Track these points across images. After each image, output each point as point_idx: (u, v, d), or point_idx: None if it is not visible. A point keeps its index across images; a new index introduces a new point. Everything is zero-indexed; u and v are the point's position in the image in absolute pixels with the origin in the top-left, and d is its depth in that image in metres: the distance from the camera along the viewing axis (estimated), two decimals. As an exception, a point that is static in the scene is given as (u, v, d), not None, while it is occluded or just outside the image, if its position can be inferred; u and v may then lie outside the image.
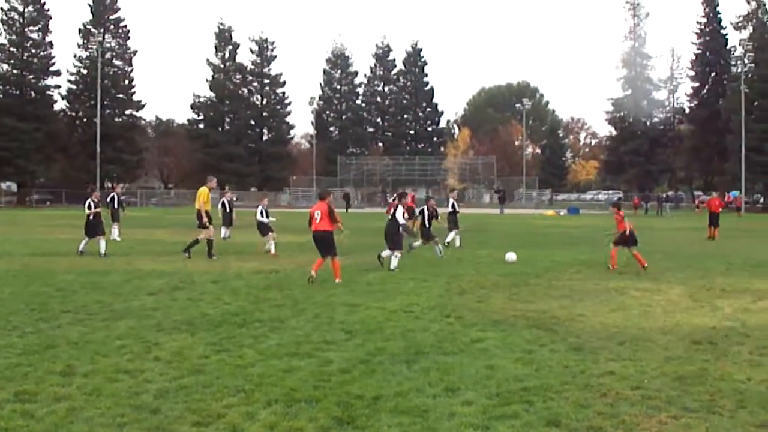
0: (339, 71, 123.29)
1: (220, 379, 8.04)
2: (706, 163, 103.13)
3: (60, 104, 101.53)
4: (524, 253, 23.36)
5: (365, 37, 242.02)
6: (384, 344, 9.84)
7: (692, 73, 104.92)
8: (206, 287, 15.66)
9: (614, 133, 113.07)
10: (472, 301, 13.76)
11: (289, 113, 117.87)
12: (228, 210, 30.63)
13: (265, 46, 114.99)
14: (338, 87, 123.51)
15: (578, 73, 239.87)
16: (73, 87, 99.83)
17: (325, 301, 13.67)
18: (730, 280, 17.18)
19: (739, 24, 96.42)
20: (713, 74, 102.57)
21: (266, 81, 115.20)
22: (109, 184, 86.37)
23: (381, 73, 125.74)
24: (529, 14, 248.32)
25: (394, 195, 33.70)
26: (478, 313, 12.45)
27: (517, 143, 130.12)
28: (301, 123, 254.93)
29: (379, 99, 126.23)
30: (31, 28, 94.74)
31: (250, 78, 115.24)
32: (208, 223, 22.45)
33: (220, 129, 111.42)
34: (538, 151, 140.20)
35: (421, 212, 23.86)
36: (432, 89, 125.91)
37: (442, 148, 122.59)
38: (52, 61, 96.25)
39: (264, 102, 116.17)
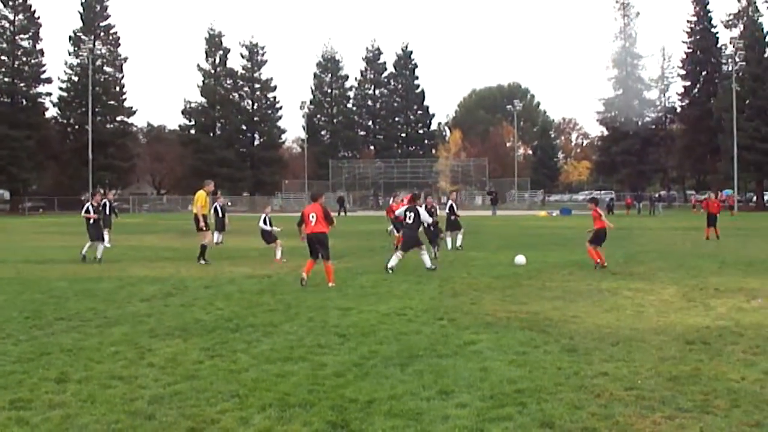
0: (329, 75, 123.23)
1: (213, 385, 8.03)
2: (698, 162, 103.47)
3: (51, 111, 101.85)
4: (516, 255, 23.37)
5: (355, 40, 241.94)
6: (377, 347, 9.83)
7: (683, 72, 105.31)
8: (199, 293, 15.64)
9: (606, 133, 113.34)
10: (465, 304, 13.75)
11: (280, 117, 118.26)
12: (221, 215, 30.59)
13: (255, 50, 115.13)
14: (329, 91, 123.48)
15: (569, 73, 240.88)
16: (65, 94, 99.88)
17: (318, 304, 13.65)
18: (723, 280, 17.20)
19: (730, 22, 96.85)
20: (704, 73, 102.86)
21: (257, 86, 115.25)
22: (102, 191, 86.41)
23: (371, 76, 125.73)
24: (520, 15, 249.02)
25: (392, 197, 33.76)
26: (471, 315, 12.45)
27: (508, 144, 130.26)
28: (293, 127, 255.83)
29: (370, 102, 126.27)
30: (22, 36, 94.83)
31: (241, 83, 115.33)
32: (205, 227, 22.45)
33: (211, 134, 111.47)
34: (530, 152, 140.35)
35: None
36: (423, 92, 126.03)
37: (433, 151, 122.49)
38: (43, 68, 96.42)
39: (255, 107, 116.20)
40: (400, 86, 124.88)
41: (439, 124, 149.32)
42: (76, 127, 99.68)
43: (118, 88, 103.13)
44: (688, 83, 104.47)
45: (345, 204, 77.35)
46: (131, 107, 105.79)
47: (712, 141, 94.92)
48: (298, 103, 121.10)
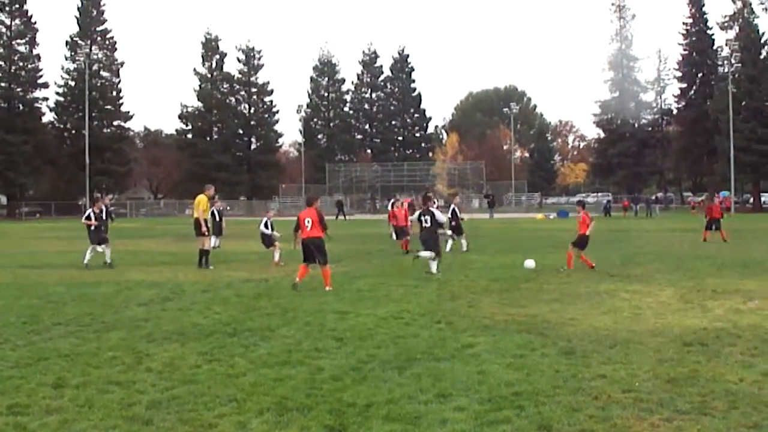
0: (326, 79, 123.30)
1: (211, 389, 8.02)
2: (695, 163, 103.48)
3: (48, 116, 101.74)
4: (514, 258, 23.39)
5: (352, 44, 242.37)
6: (375, 351, 9.83)
7: (679, 74, 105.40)
8: (196, 297, 15.63)
9: (602, 135, 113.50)
10: (462, 307, 13.74)
11: (276, 121, 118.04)
12: (218, 219, 30.59)
13: (252, 54, 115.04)
14: (326, 94, 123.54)
15: (565, 76, 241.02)
16: (61, 99, 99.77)
17: (316, 308, 13.64)
18: (721, 281, 17.20)
19: (726, 24, 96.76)
20: (700, 75, 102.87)
21: (254, 90, 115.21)
22: (98, 195, 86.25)
23: (368, 79, 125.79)
24: (516, 18, 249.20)
25: (392, 202, 33.65)
26: (469, 318, 12.45)
27: (505, 147, 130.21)
28: (289, 131, 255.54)
29: (366, 106, 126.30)
30: (19, 41, 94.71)
31: (238, 87, 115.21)
32: (207, 232, 22.44)
33: (208, 138, 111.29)
34: (527, 154, 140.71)
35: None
36: (419, 95, 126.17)
37: (430, 154, 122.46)
38: (40, 73, 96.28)
39: (252, 111, 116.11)
40: (396, 89, 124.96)
41: (436, 127, 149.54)
42: (73, 131, 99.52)
43: (114, 93, 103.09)
44: (684, 85, 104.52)
45: (344, 208, 77.12)
46: (128, 112, 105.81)
47: (709, 143, 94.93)
48: (295, 107, 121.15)
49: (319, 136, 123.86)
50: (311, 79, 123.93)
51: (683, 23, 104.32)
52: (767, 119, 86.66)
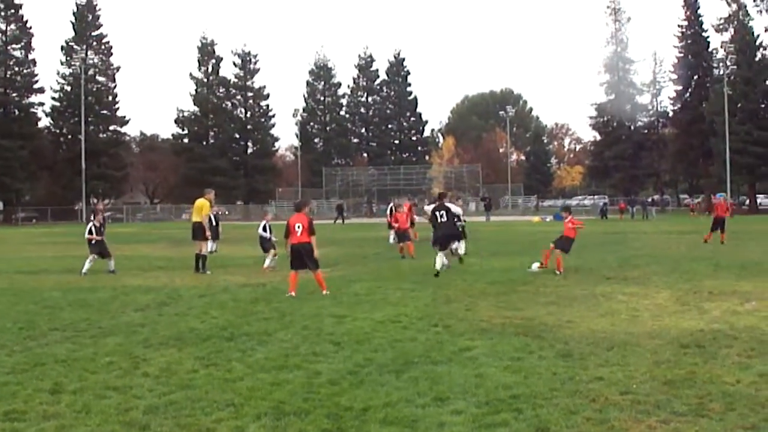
0: (322, 83, 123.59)
1: (209, 394, 8.01)
2: (691, 166, 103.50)
3: (44, 121, 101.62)
4: (511, 261, 23.40)
5: (348, 48, 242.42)
6: (372, 355, 9.82)
7: (675, 76, 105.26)
8: (193, 302, 15.60)
9: (598, 138, 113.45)
10: (459, 310, 13.73)
11: (273, 126, 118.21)
12: (215, 223, 30.54)
13: (248, 59, 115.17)
14: (322, 98, 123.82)
15: (561, 79, 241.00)
16: (57, 104, 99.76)
17: (313, 313, 13.62)
18: (717, 283, 17.20)
19: (721, 26, 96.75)
20: (696, 77, 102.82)
21: (250, 94, 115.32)
22: (95, 201, 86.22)
23: (364, 83, 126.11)
24: (512, 21, 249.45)
25: (392, 206, 33.59)
26: (466, 321, 12.44)
27: (501, 150, 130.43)
28: (286, 135, 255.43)
29: (362, 109, 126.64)
30: (14, 46, 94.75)
31: (234, 91, 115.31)
32: (210, 236, 22.40)
33: (204, 143, 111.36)
34: (523, 157, 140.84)
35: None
36: (415, 98, 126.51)
37: (426, 157, 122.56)
38: (36, 78, 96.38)
39: (248, 115, 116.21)
40: (392, 93, 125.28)
41: (432, 130, 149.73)
42: (69, 136, 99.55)
43: (110, 98, 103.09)
44: (679, 87, 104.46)
45: (344, 212, 76.97)
46: (124, 116, 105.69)
47: (705, 145, 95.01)
48: (291, 111, 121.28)
49: (316, 140, 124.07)
50: (307, 83, 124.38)
51: (678, 26, 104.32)
52: (762, 121, 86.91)
